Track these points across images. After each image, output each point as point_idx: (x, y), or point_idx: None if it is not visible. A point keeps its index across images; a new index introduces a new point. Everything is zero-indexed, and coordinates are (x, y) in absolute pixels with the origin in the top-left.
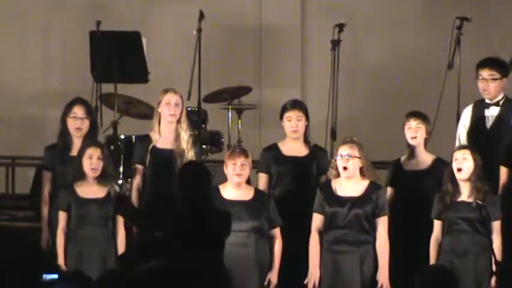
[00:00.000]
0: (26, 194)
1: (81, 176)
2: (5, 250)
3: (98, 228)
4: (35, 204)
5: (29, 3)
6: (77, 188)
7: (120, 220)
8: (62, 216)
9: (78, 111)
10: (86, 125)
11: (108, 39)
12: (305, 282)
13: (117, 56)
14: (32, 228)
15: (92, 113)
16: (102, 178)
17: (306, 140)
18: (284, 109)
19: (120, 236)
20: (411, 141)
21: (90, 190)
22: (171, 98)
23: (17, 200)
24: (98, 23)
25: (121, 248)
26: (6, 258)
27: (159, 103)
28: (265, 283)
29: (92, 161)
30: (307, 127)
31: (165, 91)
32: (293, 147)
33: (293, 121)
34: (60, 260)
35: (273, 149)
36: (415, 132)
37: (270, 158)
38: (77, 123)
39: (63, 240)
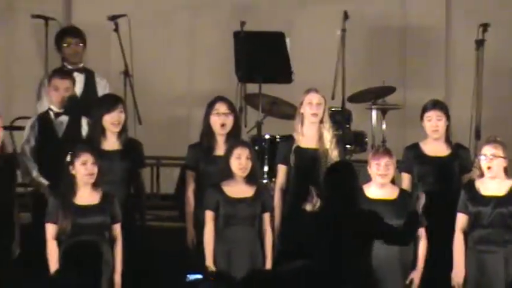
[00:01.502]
0: (171, 194)
1: (229, 175)
2: (150, 250)
3: (246, 228)
4: (179, 204)
5: (175, 4)
6: (225, 187)
7: (267, 219)
8: (210, 215)
9: (221, 107)
10: (230, 120)
11: (252, 40)
12: (452, 285)
13: (261, 57)
14: (177, 228)
15: (234, 110)
16: (250, 177)
17: (448, 140)
18: (424, 109)
19: (268, 236)
20: None
21: (238, 190)
22: (313, 97)
23: (162, 200)
24: (242, 24)
25: (268, 247)
26: (152, 258)
27: (301, 103)
28: (407, 282)
29: (240, 161)
30: (448, 127)
31: (307, 91)
32: (434, 147)
33: (433, 121)
34: (209, 260)
35: (415, 148)
36: None
37: (413, 157)
38: (221, 119)
39: (212, 240)
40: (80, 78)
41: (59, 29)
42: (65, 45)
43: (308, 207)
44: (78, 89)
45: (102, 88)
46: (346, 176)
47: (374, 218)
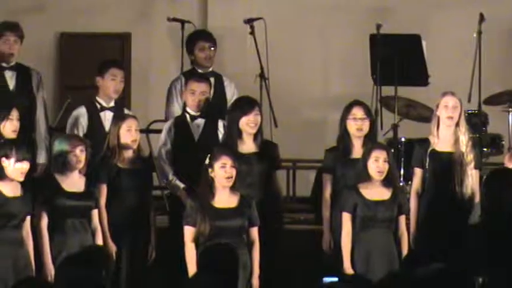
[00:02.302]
0: (307, 197)
1: (366, 178)
2: (287, 252)
3: (384, 231)
4: (316, 207)
5: (310, 7)
6: (363, 189)
7: (403, 222)
8: (347, 217)
9: (358, 112)
10: (366, 125)
11: (388, 43)
12: None
13: (397, 59)
14: (313, 231)
15: (370, 114)
16: (387, 180)
17: None
18: None
19: (404, 239)
20: None
21: (376, 192)
22: (449, 100)
23: (299, 203)
24: (378, 26)
25: (404, 250)
26: (289, 260)
27: (437, 106)
28: None
29: (378, 164)
30: None
31: (444, 94)
32: None
33: None
34: (346, 263)
35: None
36: None
37: None
38: (358, 123)
39: (349, 242)
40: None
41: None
42: (197, 49)
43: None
44: None
45: (231, 92)
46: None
47: None
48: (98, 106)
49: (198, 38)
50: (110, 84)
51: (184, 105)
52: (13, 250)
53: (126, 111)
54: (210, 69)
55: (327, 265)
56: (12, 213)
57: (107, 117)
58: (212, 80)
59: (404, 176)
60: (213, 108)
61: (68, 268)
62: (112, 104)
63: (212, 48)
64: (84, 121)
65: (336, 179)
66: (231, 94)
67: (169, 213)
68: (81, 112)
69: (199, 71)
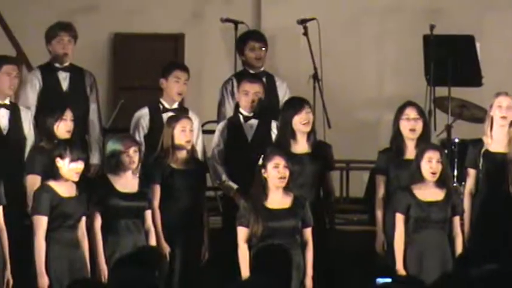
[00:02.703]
0: (361, 198)
1: (419, 179)
2: (340, 253)
3: (437, 231)
4: (369, 208)
5: (363, 8)
6: (416, 190)
7: (457, 223)
8: (400, 218)
9: (411, 112)
10: (419, 125)
11: (441, 43)
12: None
13: (451, 60)
14: (366, 232)
15: (424, 115)
16: (441, 181)
17: None
18: None
19: (458, 240)
20: None
21: (429, 193)
22: (503, 100)
23: (352, 204)
24: (432, 27)
25: (458, 251)
26: (342, 261)
27: (491, 106)
28: None
29: (431, 164)
30: None
31: (497, 94)
32: None
33: None
34: (399, 264)
35: None
36: None
37: None
38: (411, 124)
39: (402, 243)
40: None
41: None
42: (248, 49)
43: None
44: None
45: (283, 92)
46: None
47: None
48: (161, 107)
49: (248, 38)
50: (174, 86)
51: (237, 106)
52: (69, 251)
53: (190, 113)
54: (262, 69)
55: (381, 266)
56: (67, 214)
57: None
58: (264, 80)
59: (458, 177)
60: (266, 108)
61: (122, 269)
62: (175, 105)
63: (263, 49)
64: (145, 122)
65: (389, 180)
66: (283, 94)
67: (222, 214)
68: (144, 113)
69: (250, 71)
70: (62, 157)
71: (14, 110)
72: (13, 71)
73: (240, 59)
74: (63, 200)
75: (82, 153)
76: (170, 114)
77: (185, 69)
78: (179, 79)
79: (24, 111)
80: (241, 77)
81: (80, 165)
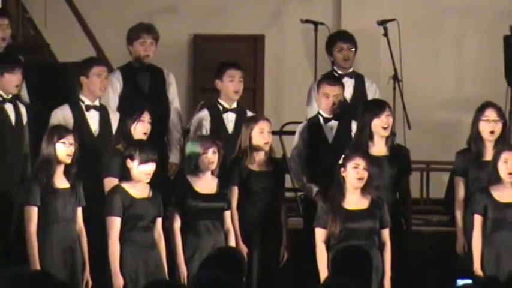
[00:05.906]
0: (441, 199)
1: (496, 180)
2: (420, 254)
3: None
4: (449, 209)
5: (444, 8)
6: (493, 191)
7: None
8: (478, 219)
9: (491, 114)
10: (498, 127)
11: None
12: None
13: None
14: (446, 233)
15: (503, 116)
16: None
17: None
18: None
19: None
20: None
21: (507, 194)
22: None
23: (432, 205)
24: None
25: None
26: (422, 262)
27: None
28: None
29: (507, 165)
30: None
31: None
32: None
33: None
34: (477, 265)
35: None
36: None
37: None
38: (490, 126)
39: (480, 244)
40: (349, 83)
41: (329, 34)
42: (336, 50)
43: None
44: (348, 93)
45: (372, 92)
46: None
47: None
48: (221, 108)
49: (336, 39)
50: (229, 86)
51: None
52: (143, 252)
53: (248, 112)
54: (350, 70)
55: (461, 267)
56: (139, 215)
57: (229, 118)
58: (352, 81)
59: None
60: (353, 108)
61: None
62: (234, 105)
63: (352, 49)
64: (207, 123)
65: (469, 181)
66: (372, 95)
67: (303, 216)
68: (204, 114)
69: (339, 72)
70: (132, 158)
71: (103, 112)
72: (103, 72)
73: (329, 60)
74: (135, 201)
75: (153, 154)
76: (230, 114)
77: (238, 68)
78: (233, 78)
79: (113, 113)
80: (324, 78)
81: (149, 167)
